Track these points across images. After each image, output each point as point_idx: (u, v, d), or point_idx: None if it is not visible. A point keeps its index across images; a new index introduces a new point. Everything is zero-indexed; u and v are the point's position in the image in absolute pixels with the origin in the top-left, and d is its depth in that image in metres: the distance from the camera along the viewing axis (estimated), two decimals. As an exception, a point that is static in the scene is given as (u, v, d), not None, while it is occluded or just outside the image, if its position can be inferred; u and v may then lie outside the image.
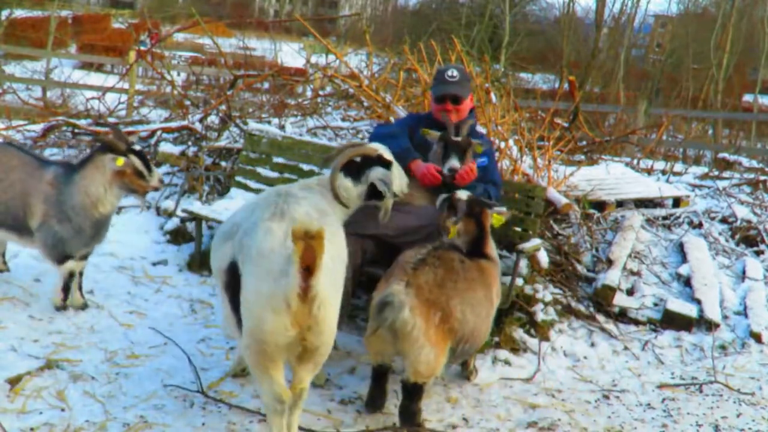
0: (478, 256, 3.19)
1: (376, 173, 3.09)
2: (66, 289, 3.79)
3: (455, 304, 2.87)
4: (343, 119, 6.89)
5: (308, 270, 2.21)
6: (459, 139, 3.51)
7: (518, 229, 3.99)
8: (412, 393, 2.86)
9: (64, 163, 3.83)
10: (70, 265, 3.74)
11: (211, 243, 2.99)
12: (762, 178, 7.18)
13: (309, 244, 2.15)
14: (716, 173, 8.02)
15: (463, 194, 3.24)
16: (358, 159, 3.09)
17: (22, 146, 4.20)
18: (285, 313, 2.29)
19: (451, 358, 2.98)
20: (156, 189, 3.69)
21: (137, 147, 3.73)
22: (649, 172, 7.79)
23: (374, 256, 3.58)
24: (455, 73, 3.73)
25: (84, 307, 3.86)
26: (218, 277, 2.75)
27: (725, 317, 4.50)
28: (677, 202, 6.16)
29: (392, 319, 2.71)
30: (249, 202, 2.89)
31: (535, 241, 3.88)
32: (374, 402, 3.05)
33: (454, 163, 3.46)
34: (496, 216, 3.28)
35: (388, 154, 3.15)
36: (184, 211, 4.88)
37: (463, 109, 3.74)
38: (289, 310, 2.28)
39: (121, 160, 3.54)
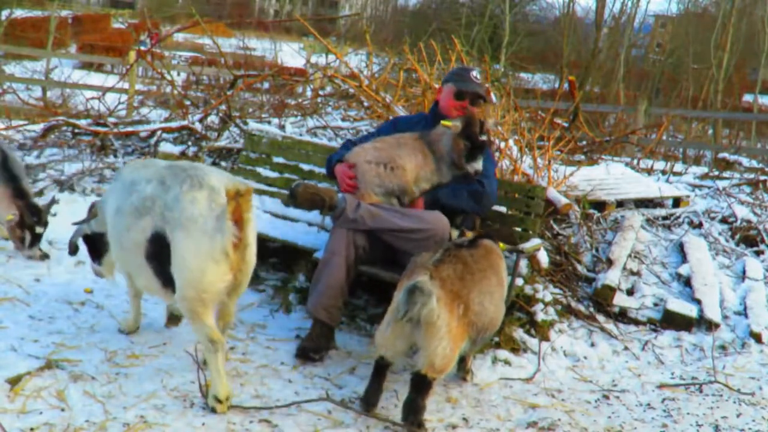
0: None
1: None
2: None
3: (474, 296, 2.94)
4: (343, 119, 6.88)
5: (237, 223, 2.74)
6: (484, 138, 3.59)
7: (518, 229, 4.00)
8: (421, 387, 2.85)
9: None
10: None
11: (112, 219, 3.11)
12: (762, 178, 7.17)
13: (237, 202, 2.69)
14: (716, 173, 8.02)
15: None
16: None
17: None
18: (224, 262, 2.78)
19: (471, 348, 3.08)
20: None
21: (41, 231, 4.25)
22: (649, 172, 7.78)
23: (368, 254, 3.59)
24: (478, 75, 3.91)
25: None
26: (133, 250, 2.98)
27: (725, 317, 4.49)
28: (677, 202, 6.16)
29: (422, 303, 2.72)
30: (132, 179, 3.05)
31: (535, 241, 3.88)
32: (369, 399, 3.02)
33: (478, 166, 3.61)
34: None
35: None
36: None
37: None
38: (227, 259, 2.77)
39: (10, 216, 4.19)
